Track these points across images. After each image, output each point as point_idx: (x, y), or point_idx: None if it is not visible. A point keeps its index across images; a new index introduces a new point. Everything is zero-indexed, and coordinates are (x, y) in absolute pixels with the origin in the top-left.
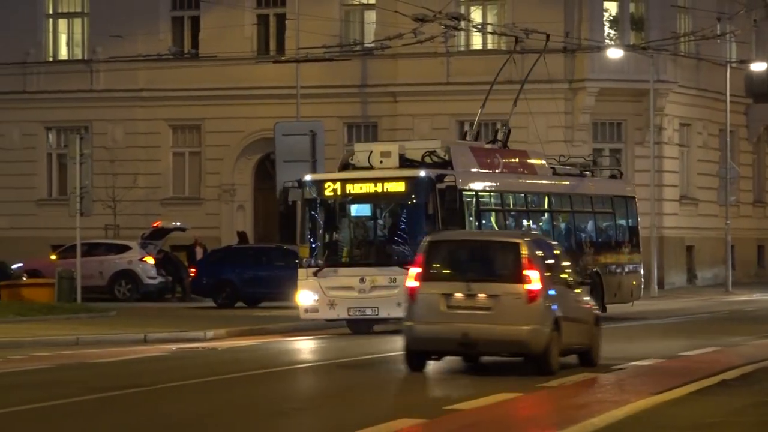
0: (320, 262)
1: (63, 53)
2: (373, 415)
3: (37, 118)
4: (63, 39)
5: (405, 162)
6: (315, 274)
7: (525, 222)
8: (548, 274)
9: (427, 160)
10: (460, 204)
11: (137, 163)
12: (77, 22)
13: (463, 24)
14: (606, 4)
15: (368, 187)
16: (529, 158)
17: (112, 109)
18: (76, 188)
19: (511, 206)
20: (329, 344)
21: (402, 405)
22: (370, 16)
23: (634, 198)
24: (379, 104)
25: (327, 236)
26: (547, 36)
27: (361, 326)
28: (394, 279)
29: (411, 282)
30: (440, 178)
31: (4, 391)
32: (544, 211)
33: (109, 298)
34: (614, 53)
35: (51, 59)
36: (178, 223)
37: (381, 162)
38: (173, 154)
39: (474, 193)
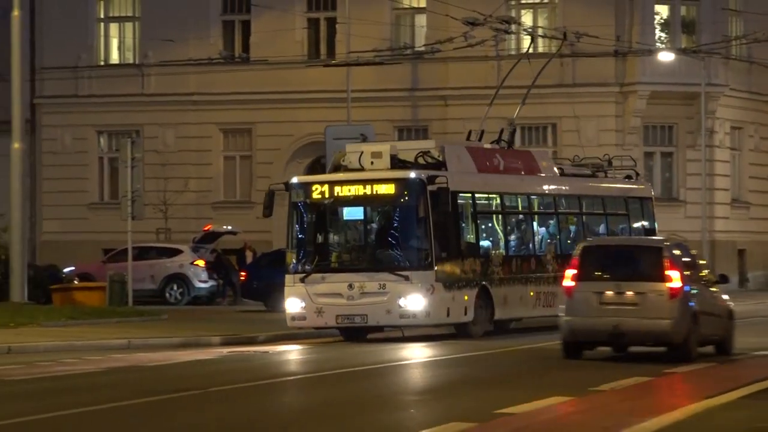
0: (308, 267)
1: (114, 57)
2: (425, 420)
3: (89, 122)
4: (114, 43)
5: (397, 163)
6: (302, 280)
7: (528, 224)
8: (687, 273)
9: (420, 161)
10: (454, 206)
11: (188, 167)
12: (128, 26)
13: (513, 27)
14: (657, 8)
15: (356, 190)
16: (534, 159)
17: (163, 113)
18: (127, 192)
19: (513, 208)
20: (373, 348)
21: (456, 411)
22: (421, 19)
23: (650, 199)
24: (430, 108)
25: (314, 241)
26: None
27: (354, 334)
28: (384, 285)
29: (568, 282)
30: (431, 179)
31: (55, 395)
32: (549, 213)
33: (160, 301)
34: (665, 56)
35: (102, 63)
36: (229, 227)
37: (372, 163)
38: (224, 158)
39: (470, 194)
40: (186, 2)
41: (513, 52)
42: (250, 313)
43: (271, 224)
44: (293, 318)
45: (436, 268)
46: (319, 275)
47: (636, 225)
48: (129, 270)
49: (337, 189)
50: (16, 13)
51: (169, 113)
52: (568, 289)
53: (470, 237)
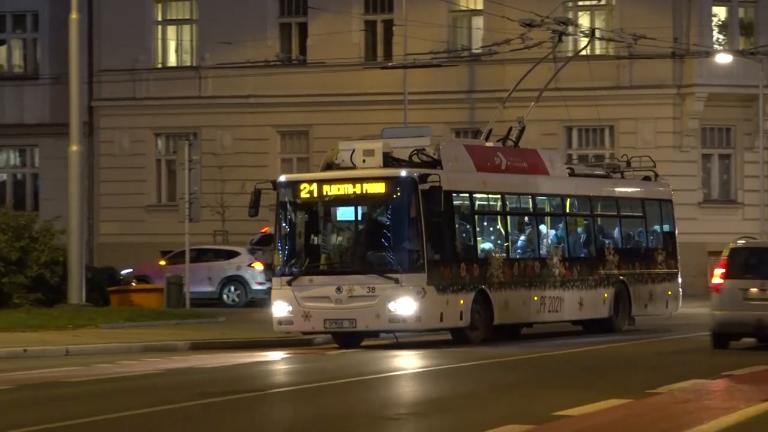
0: (295, 270)
1: (172, 60)
2: (480, 422)
3: (147, 125)
4: (172, 46)
5: (391, 161)
6: (289, 283)
7: (532, 226)
8: None
9: (415, 159)
10: (448, 206)
11: (245, 169)
12: (186, 28)
13: (570, 29)
14: (715, 9)
15: (345, 189)
16: (540, 158)
17: (220, 115)
18: (184, 194)
19: (515, 209)
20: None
21: (515, 411)
22: (478, 21)
23: (670, 201)
24: (487, 110)
25: (302, 242)
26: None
27: (347, 340)
28: (373, 288)
29: (717, 279)
30: (423, 178)
31: (113, 396)
32: (556, 215)
33: (217, 303)
34: (723, 58)
35: (160, 66)
36: None
37: (364, 161)
38: (281, 160)
39: (467, 194)
40: (243, 5)
41: (570, 54)
42: None
43: None
44: (280, 322)
45: (428, 270)
46: (306, 278)
47: (654, 228)
48: (186, 272)
49: (325, 188)
50: (74, 15)
51: (226, 115)
52: (717, 286)
53: (467, 238)
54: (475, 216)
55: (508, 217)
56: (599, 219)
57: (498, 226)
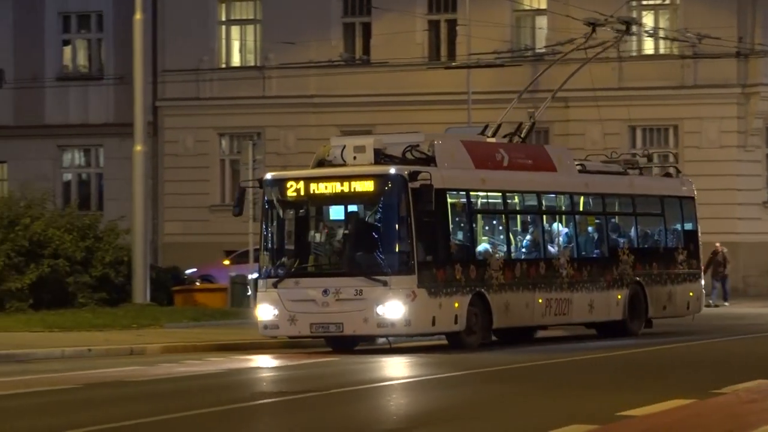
0: (280, 271)
1: (236, 60)
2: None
3: (210, 125)
4: (236, 46)
5: (383, 158)
6: (275, 285)
7: (537, 225)
8: None
9: (408, 156)
10: (442, 205)
11: (309, 169)
12: (250, 29)
13: (634, 29)
14: None
15: (333, 187)
16: (548, 155)
17: (283, 115)
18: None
19: (517, 208)
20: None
21: (576, 411)
22: (541, 21)
23: (692, 199)
24: (551, 110)
25: (288, 242)
26: None
27: (340, 344)
28: (361, 291)
29: None
30: (414, 175)
31: (177, 395)
32: (563, 213)
33: None
34: None
35: (224, 66)
36: None
37: (355, 158)
38: None
39: (464, 192)
40: (307, 5)
41: (634, 53)
42: None
43: None
44: (265, 327)
45: (418, 272)
46: (292, 280)
47: (675, 226)
48: (251, 271)
49: (312, 186)
50: (138, 16)
51: (289, 115)
52: None
53: (463, 239)
54: (473, 215)
55: (510, 217)
56: (612, 217)
57: (498, 226)
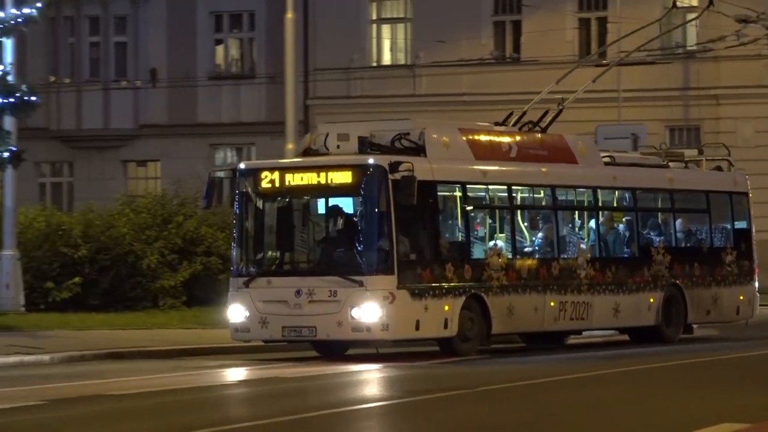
0: (252, 270)
1: (386, 58)
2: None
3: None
4: (386, 44)
5: (368, 147)
6: (246, 284)
7: (550, 222)
8: None
9: (397, 145)
10: (430, 199)
11: None
12: (400, 27)
13: None
14: None
15: (308, 178)
16: (568, 145)
17: (433, 113)
18: None
19: (526, 203)
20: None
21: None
22: (692, 18)
23: (745, 194)
24: (702, 107)
25: (261, 238)
26: None
27: (324, 348)
28: (335, 292)
29: None
30: (395, 166)
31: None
32: (583, 209)
33: None
34: None
35: (374, 65)
36: None
37: (338, 147)
38: None
39: (459, 185)
40: (458, 3)
41: None
42: None
43: None
44: (236, 329)
45: (398, 272)
46: (264, 279)
47: (723, 225)
48: None
49: (287, 177)
50: (289, 15)
51: (440, 113)
52: None
53: (457, 236)
54: (471, 211)
55: (517, 213)
56: (644, 214)
57: (502, 223)
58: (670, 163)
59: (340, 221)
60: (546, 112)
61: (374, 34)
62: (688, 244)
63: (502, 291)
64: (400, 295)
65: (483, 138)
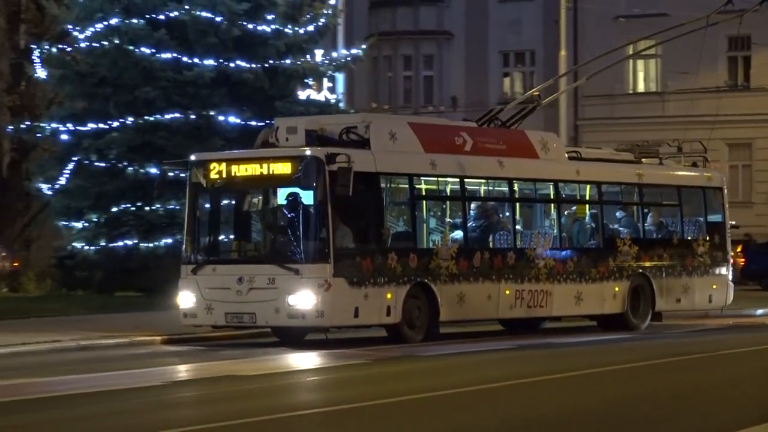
0: (200, 258)
1: (640, 87)
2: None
3: (620, 139)
4: (641, 75)
5: (318, 140)
6: (194, 272)
7: (506, 213)
8: None
9: (345, 138)
10: (372, 190)
11: None
12: (652, 62)
13: None
14: None
15: (253, 169)
16: (529, 140)
17: (679, 131)
18: None
19: (479, 194)
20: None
21: None
22: None
23: (719, 189)
24: None
25: (208, 227)
26: None
27: (286, 334)
28: (273, 280)
29: None
30: (331, 158)
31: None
32: (542, 201)
33: None
34: None
35: (631, 92)
36: (733, 222)
37: (287, 139)
38: (729, 167)
39: (405, 177)
40: (699, 44)
41: None
42: (748, 291)
43: (766, 220)
44: (185, 315)
45: (334, 260)
46: (210, 267)
47: (696, 217)
48: None
49: (234, 168)
50: (563, 53)
51: (684, 132)
52: None
53: (402, 226)
54: (418, 201)
55: (469, 203)
56: (610, 207)
57: (454, 214)
58: (645, 160)
59: (280, 211)
60: (519, 111)
61: (630, 68)
62: (658, 236)
63: (452, 279)
64: (336, 282)
65: (434, 132)
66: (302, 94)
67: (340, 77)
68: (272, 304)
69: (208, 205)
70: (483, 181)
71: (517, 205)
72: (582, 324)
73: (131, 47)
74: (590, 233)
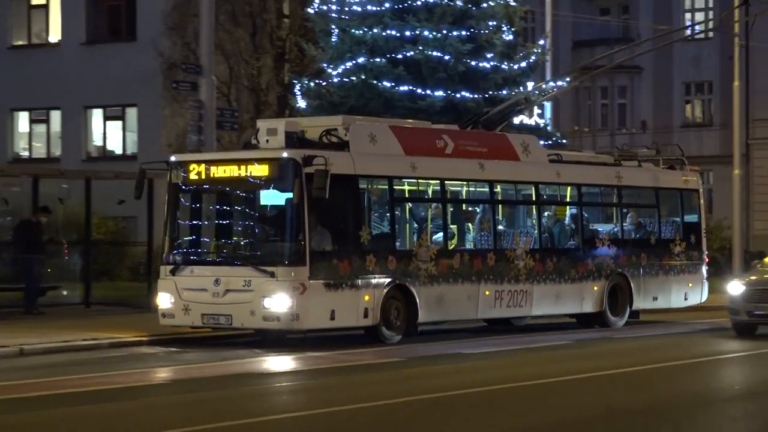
0: (178, 258)
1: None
2: None
3: None
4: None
5: (299, 142)
6: (172, 272)
7: (485, 215)
8: None
9: (325, 140)
10: (351, 192)
11: None
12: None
13: None
14: None
15: (231, 171)
16: (510, 143)
17: None
18: None
19: (460, 196)
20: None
21: None
22: None
23: (696, 191)
24: None
25: (186, 228)
26: None
27: (267, 333)
28: (249, 282)
29: None
30: (308, 160)
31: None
32: (521, 203)
33: None
34: None
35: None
36: None
37: (267, 141)
38: None
39: (385, 179)
40: None
41: None
42: None
43: None
44: (164, 315)
45: (310, 263)
46: (188, 268)
47: (673, 218)
48: None
49: (213, 170)
50: (736, 83)
51: None
52: None
53: (380, 228)
54: (397, 204)
55: (450, 206)
56: (589, 208)
57: (433, 216)
58: (624, 162)
59: (258, 213)
60: (509, 112)
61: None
62: (636, 236)
63: (431, 281)
64: (312, 285)
65: (414, 135)
66: (516, 120)
67: (548, 105)
68: (248, 306)
69: (186, 207)
70: (463, 183)
71: (498, 206)
72: (562, 321)
73: (375, 81)
74: (570, 234)
